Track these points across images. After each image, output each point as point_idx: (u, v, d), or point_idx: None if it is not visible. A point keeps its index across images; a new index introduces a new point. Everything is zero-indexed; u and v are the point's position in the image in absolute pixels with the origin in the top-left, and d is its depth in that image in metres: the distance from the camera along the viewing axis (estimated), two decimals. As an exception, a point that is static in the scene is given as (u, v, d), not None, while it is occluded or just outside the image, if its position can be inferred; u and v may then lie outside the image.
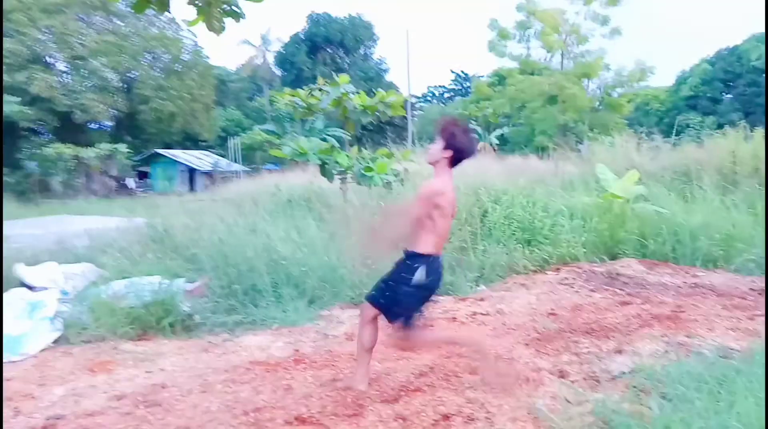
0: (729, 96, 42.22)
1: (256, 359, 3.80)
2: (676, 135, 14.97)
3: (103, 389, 3.29)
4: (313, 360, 3.75)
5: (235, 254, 5.42)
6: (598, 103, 24.16)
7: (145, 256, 5.82)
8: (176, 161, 34.66)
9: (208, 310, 4.67)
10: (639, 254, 6.69)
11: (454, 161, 3.04)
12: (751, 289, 5.33)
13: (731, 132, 10.04)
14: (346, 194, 8.00)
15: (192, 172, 34.98)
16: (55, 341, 4.19)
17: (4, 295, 4.45)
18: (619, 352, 3.67)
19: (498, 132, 33.03)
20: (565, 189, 8.87)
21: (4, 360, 3.82)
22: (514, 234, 6.60)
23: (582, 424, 2.77)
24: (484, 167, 9.94)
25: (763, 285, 5.41)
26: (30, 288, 4.86)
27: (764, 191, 6.22)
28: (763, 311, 4.49)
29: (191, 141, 38.92)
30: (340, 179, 8.05)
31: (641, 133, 10.60)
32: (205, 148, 39.01)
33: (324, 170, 7.72)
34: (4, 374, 3.55)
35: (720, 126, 21.30)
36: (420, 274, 2.92)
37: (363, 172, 7.46)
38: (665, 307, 4.68)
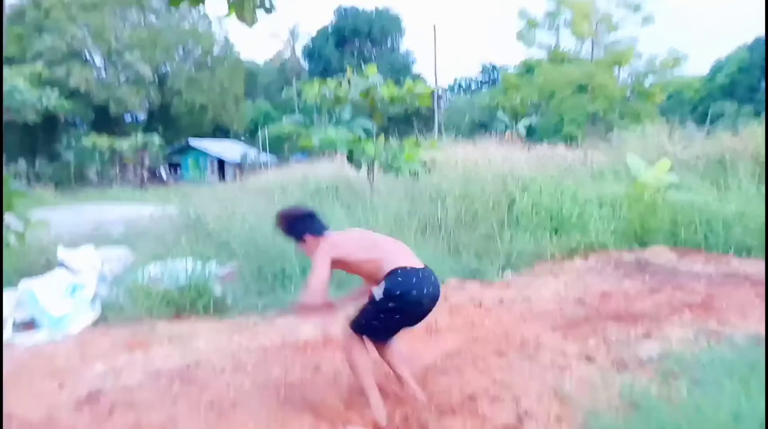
0: None
1: (286, 341, 3.90)
2: (710, 123, 14.61)
3: (140, 366, 3.43)
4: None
5: (265, 241, 5.55)
6: (629, 92, 23.62)
7: (178, 242, 5.98)
8: (207, 152, 35.30)
9: (240, 293, 4.79)
10: (670, 243, 6.58)
11: (309, 229, 2.91)
12: (787, 278, 5.20)
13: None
14: (372, 183, 8.07)
15: (222, 162, 35.56)
16: (95, 322, 4.38)
17: (46, 276, 4.65)
18: (648, 337, 3.64)
19: (526, 121, 32.62)
20: (594, 178, 8.76)
21: (48, 338, 4.01)
22: (541, 222, 6.58)
23: (609, 407, 2.77)
24: (512, 156, 9.87)
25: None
26: (70, 270, 5.07)
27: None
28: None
29: (222, 132, 39.53)
30: (367, 168, 8.11)
31: (674, 121, 10.36)
32: (235, 139, 39.60)
33: (352, 159, 7.78)
34: (48, 351, 3.74)
35: (757, 114, 20.63)
36: (377, 291, 2.66)
37: (390, 161, 7.50)
38: (696, 295, 4.61)
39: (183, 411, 2.83)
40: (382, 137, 8.53)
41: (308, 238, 2.90)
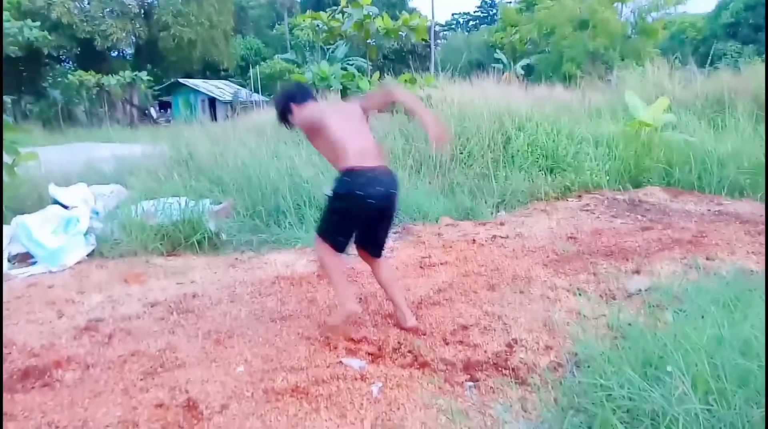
0: (773, 23, 39.80)
1: (281, 274, 3.95)
2: (710, 64, 14.27)
3: (137, 297, 3.48)
4: (335, 275, 3.87)
5: (259, 177, 5.52)
6: (630, 29, 22.98)
7: (170, 178, 5.94)
8: (197, 91, 34.50)
9: (234, 229, 4.81)
10: (664, 182, 6.61)
11: (294, 99, 2.91)
12: (777, 217, 5.26)
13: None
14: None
15: (213, 101, 34.88)
16: (90, 255, 4.40)
17: (40, 212, 4.63)
18: (638, 272, 3.71)
19: (523, 62, 31.94)
20: (591, 117, 8.66)
21: (44, 270, 4.04)
22: (536, 161, 6.55)
23: (596, 336, 2.85)
24: (509, 96, 9.69)
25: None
26: (63, 207, 5.04)
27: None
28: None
29: (211, 70, 38.54)
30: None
31: (675, 59, 10.13)
32: (226, 78, 38.67)
33: (344, 93, 7.64)
34: (46, 283, 3.77)
35: (760, 55, 20.20)
36: (336, 185, 2.75)
37: (385, 97, 7.35)
38: (687, 233, 4.67)
39: (180, 339, 2.89)
40: (377, 74, 8.36)
41: (294, 107, 2.89)
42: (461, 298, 3.42)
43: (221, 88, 36.51)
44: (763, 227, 4.85)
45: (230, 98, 33.41)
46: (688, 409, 1.78)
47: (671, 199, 6.05)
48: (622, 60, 13.06)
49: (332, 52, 33.57)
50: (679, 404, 1.79)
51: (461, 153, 6.44)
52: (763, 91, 8.57)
